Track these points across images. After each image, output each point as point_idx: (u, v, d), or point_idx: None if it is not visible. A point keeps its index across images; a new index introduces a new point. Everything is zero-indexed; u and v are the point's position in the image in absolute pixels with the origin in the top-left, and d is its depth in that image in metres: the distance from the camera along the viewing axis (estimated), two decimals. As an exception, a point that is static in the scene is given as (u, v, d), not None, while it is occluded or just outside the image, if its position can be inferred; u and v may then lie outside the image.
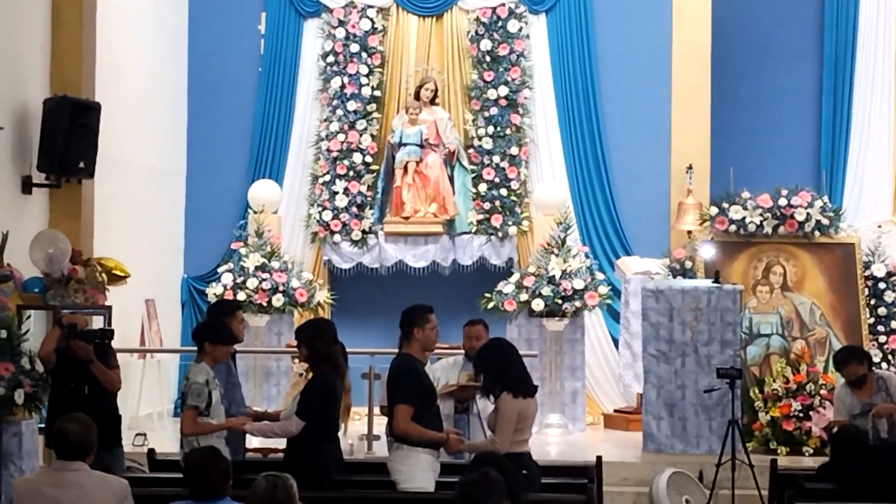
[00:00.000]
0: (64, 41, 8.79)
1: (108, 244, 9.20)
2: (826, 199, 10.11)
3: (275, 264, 10.84)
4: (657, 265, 10.20)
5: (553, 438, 10.13)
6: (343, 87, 11.55)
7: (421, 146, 11.31)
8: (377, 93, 11.61)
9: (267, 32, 11.80)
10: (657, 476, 8.07)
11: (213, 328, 6.55)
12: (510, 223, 11.41)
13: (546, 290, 10.38)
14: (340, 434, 6.91)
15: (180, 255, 11.76)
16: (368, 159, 11.56)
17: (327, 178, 11.55)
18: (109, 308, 8.14)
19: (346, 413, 6.87)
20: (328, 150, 11.56)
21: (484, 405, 7.13)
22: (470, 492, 4.23)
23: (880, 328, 9.89)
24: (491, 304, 10.52)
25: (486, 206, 11.43)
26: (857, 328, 9.67)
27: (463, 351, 7.44)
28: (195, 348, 6.55)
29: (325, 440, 6.25)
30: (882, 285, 9.94)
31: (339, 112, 11.54)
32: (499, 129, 11.43)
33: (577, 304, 10.44)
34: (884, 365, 9.86)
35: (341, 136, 11.53)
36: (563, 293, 10.38)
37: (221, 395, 6.38)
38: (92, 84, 9.08)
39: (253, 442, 7.59)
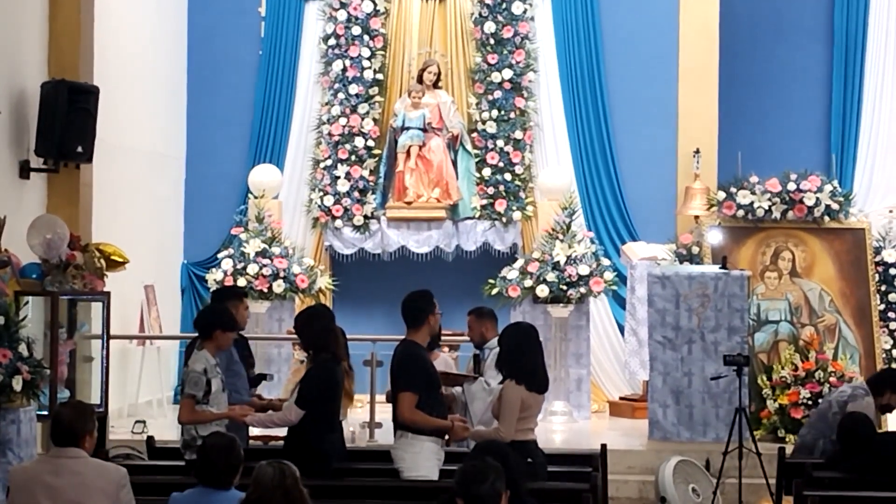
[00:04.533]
0: (62, 24, 8.79)
1: (107, 229, 9.22)
2: (836, 183, 10.11)
3: (275, 250, 10.86)
4: (663, 251, 10.21)
5: (558, 426, 10.16)
6: (345, 70, 11.55)
7: (424, 130, 11.32)
8: (379, 76, 11.61)
9: (267, 15, 11.80)
10: (663, 464, 8.09)
11: (226, 315, 6.54)
12: (514, 208, 11.41)
13: (551, 276, 10.39)
14: (349, 416, 6.94)
15: (180, 241, 11.79)
16: (370, 143, 11.57)
17: (329, 162, 11.56)
18: (108, 294, 8.17)
19: (349, 400, 6.88)
20: (330, 135, 11.57)
21: (470, 394, 7.17)
22: (468, 479, 4.26)
23: (891, 314, 9.90)
24: (495, 291, 10.54)
25: (490, 190, 11.43)
26: (867, 315, 9.68)
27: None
28: (196, 335, 6.56)
29: (326, 429, 6.28)
30: (893, 271, 9.95)
31: (341, 96, 11.55)
32: (503, 112, 11.43)
33: (583, 290, 10.45)
34: (894, 352, 9.87)
35: (343, 120, 11.54)
36: (567, 279, 10.39)
37: (223, 383, 6.39)
38: (90, 67, 9.08)
39: (254, 430, 7.62)
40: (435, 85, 11.47)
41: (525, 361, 6.29)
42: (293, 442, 6.28)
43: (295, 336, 10.14)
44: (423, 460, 6.16)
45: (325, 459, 6.19)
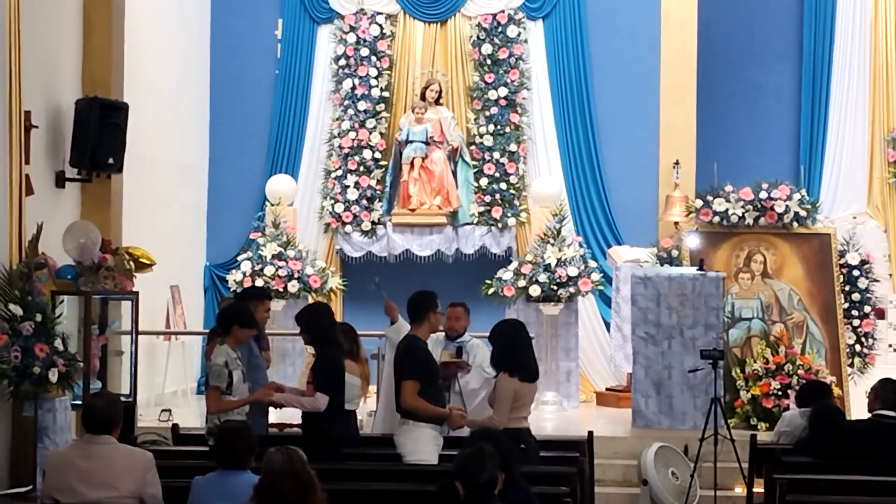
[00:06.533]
0: (94, 46, 8.78)
1: (136, 234, 9.21)
2: (804, 192, 10.09)
3: (290, 253, 10.87)
4: (646, 254, 10.20)
5: (549, 414, 10.15)
6: (354, 88, 11.56)
7: (426, 143, 11.33)
8: (385, 94, 11.62)
9: (283, 37, 11.82)
10: (645, 450, 8.08)
11: (242, 312, 6.54)
12: (509, 215, 11.42)
13: (542, 277, 10.39)
14: (361, 404, 6.93)
15: (203, 244, 11.79)
16: (377, 155, 11.57)
17: (339, 172, 11.57)
18: (137, 294, 8.16)
19: (366, 382, 6.88)
20: (340, 147, 11.58)
21: (465, 383, 7.15)
22: (466, 465, 4.26)
23: (854, 312, 9.88)
24: (491, 290, 10.54)
25: (487, 198, 11.44)
26: (832, 313, 9.67)
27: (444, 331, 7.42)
28: (212, 328, 6.55)
29: (337, 415, 6.28)
30: (856, 272, 9.93)
31: (351, 111, 11.56)
32: (499, 127, 11.44)
33: (572, 290, 10.45)
34: (857, 347, 9.86)
35: (352, 134, 11.54)
36: (558, 280, 10.39)
37: (244, 375, 6.39)
38: (120, 85, 9.07)
39: (271, 418, 7.61)
40: (437, 102, 11.48)
41: (518, 355, 6.28)
42: (309, 428, 6.28)
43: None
44: (422, 445, 6.16)
45: (335, 443, 6.19)
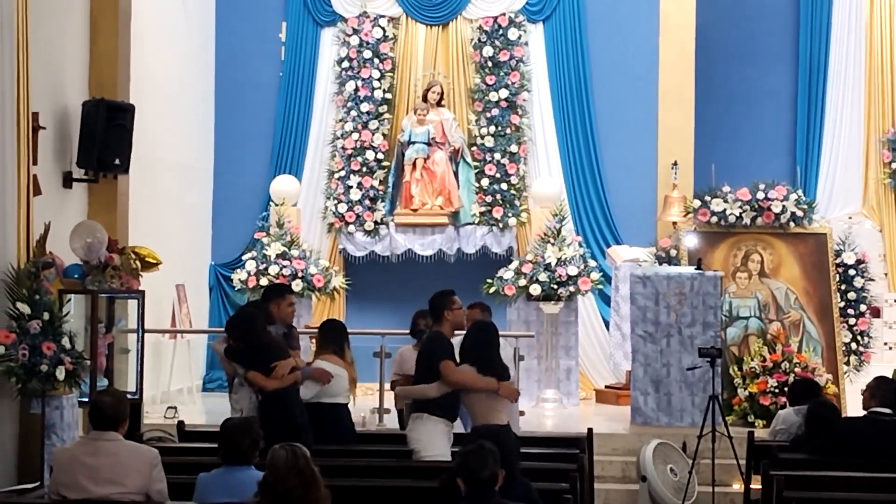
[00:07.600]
0: (101, 48, 8.78)
1: (142, 234, 9.21)
2: (800, 192, 10.09)
3: (294, 252, 10.86)
4: (645, 253, 10.20)
5: (549, 412, 10.15)
6: (357, 90, 11.56)
7: (428, 144, 11.33)
8: (388, 95, 11.61)
9: (287, 40, 11.81)
10: (644, 447, 8.08)
11: (246, 317, 6.57)
12: (510, 215, 11.41)
13: (543, 276, 10.38)
14: (350, 405, 6.95)
15: (208, 244, 11.79)
16: (380, 156, 11.57)
17: (342, 173, 11.57)
18: (143, 292, 8.16)
19: (353, 385, 6.90)
20: (343, 148, 11.57)
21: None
22: (467, 461, 4.26)
23: (850, 311, 9.88)
24: (492, 289, 10.53)
25: (488, 199, 11.43)
26: (828, 311, 9.67)
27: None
28: (223, 330, 6.57)
29: (279, 408, 6.32)
30: (852, 272, 9.94)
31: (354, 113, 11.55)
32: (499, 128, 11.43)
33: (571, 289, 10.44)
34: (853, 345, 9.86)
35: (355, 135, 11.54)
36: (558, 279, 10.38)
37: (243, 378, 6.42)
38: (127, 87, 9.07)
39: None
40: (438, 103, 11.47)
41: (489, 356, 6.24)
42: (263, 420, 6.25)
43: (312, 331, 10.19)
44: (437, 438, 6.12)
45: (272, 432, 6.06)
